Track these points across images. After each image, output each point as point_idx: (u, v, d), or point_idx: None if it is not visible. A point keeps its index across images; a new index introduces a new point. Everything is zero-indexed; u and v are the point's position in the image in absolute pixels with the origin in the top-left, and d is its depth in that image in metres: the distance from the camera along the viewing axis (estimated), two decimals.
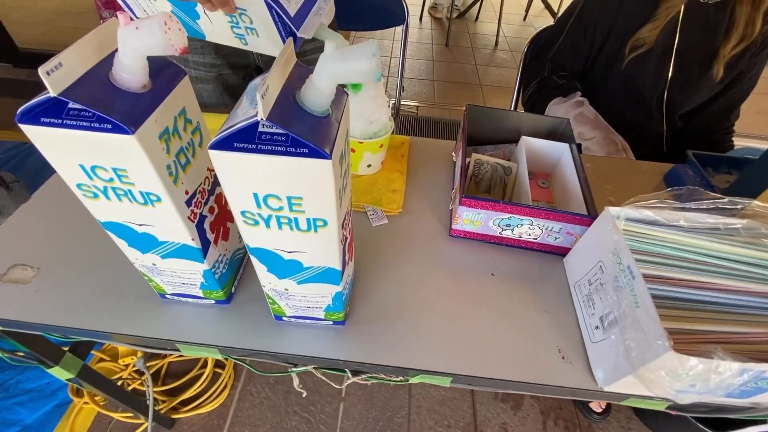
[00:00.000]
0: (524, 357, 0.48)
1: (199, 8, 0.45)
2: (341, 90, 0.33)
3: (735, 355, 0.36)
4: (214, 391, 1.05)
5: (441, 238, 0.60)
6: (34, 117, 0.28)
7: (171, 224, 0.37)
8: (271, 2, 0.39)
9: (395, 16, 1.18)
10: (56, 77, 0.26)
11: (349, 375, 0.50)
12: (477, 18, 3.24)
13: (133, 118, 0.29)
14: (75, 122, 0.28)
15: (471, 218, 0.56)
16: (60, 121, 0.28)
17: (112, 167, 0.31)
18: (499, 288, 0.54)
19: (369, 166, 0.66)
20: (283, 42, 0.44)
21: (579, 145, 0.87)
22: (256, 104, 0.26)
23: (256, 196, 0.31)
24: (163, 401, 1.02)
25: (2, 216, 1.07)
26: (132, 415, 0.97)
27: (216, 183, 0.42)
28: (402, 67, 1.25)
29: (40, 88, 0.27)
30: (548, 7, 2.99)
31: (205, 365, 1.09)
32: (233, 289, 0.50)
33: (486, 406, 1.10)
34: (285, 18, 0.40)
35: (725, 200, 0.49)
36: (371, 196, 0.64)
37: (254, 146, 0.27)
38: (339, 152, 0.30)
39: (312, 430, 1.02)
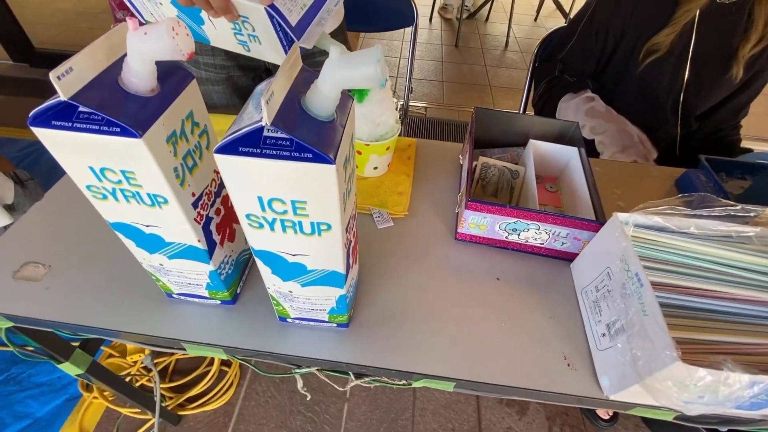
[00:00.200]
0: (529, 363, 0.47)
1: (204, 14, 0.45)
2: (346, 94, 0.33)
3: (745, 367, 0.35)
4: (220, 389, 1.06)
5: (446, 242, 0.60)
6: (45, 120, 0.29)
7: (178, 226, 0.37)
8: (272, 12, 0.39)
9: (404, 18, 1.18)
10: (67, 81, 0.27)
11: (353, 378, 0.50)
12: (487, 19, 3.22)
13: (141, 121, 0.29)
14: (85, 125, 0.29)
15: (477, 222, 0.56)
16: (70, 124, 0.29)
17: (121, 169, 0.32)
18: (505, 293, 0.54)
19: (375, 168, 0.66)
20: (285, 50, 0.44)
21: (592, 141, 0.86)
22: (261, 109, 0.26)
23: (260, 199, 0.31)
24: (170, 398, 1.03)
25: (17, 212, 1.09)
26: (139, 410, 0.99)
27: (222, 185, 0.43)
28: (411, 68, 1.25)
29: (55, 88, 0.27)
30: (560, 7, 2.96)
31: (211, 363, 1.10)
32: (238, 290, 0.50)
33: (491, 410, 1.09)
34: (286, 27, 0.40)
35: (738, 207, 0.48)
36: (377, 198, 0.64)
37: (259, 151, 0.28)
38: (343, 157, 0.30)
39: (316, 430, 1.03)
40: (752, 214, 0.47)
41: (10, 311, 0.48)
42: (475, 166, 0.66)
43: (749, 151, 0.90)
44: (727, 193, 0.65)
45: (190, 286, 0.46)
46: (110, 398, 1.01)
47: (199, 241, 0.39)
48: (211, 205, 0.41)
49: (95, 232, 0.56)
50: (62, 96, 0.27)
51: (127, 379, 1.03)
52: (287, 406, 1.07)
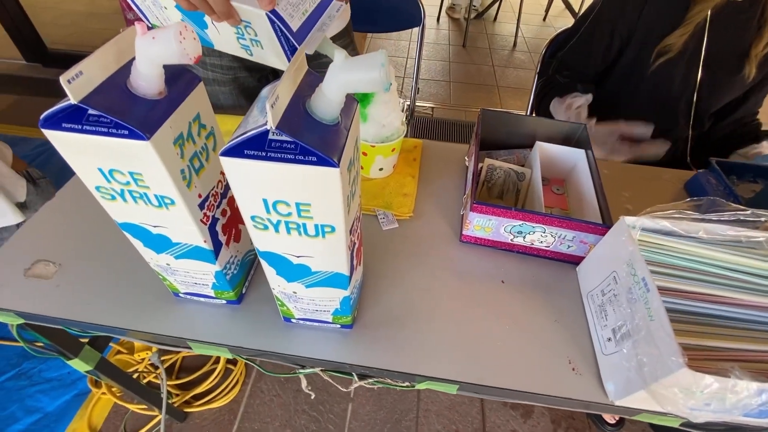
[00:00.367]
0: (533, 367, 0.47)
1: (207, 18, 0.45)
2: (351, 98, 0.33)
3: (753, 375, 0.35)
4: (226, 387, 1.07)
5: (451, 244, 0.60)
6: (55, 122, 0.29)
7: (184, 226, 0.37)
8: (273, 18, 0.39)
9: (412, 18, 1.18)
10: (77, 85, 0.27)
11: (356, 379, 0.50)
12: (495, 18, 3.21)
13: (149, 124, 0.29)
14: (94, 128, 0.29)
15: (482, 224, 0.56)
16: (80, 126, 0.29)
17: (129, 171, 0.32)
18: (510, 295, 0.54)
19: (381, 169, 0.66)
20: (286, 55, 0.45)
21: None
22: (267, 113, 0.26)
23: (265, 201, 0.31)
24: (177, 395, 1.04)
25: (29, 210, 1.11)
26: (146, 407, 1.00)
27: (228, 186, 0.43)
28: (417, 69, 1.24)
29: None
30: (569, 7, 2.93)
31: (217, 361, 1.11)
32: (244, 290, 0.51)
33: (495, 412, 1.09)
34: (287, 33, 0.40)
35: (748, 212, 0.47)
36: (382, 199, 0.64)
37: (264, 154, 0.28)
38: (348, 160, 0.30)
39: (320, 429, 1.03)
40: (763, 219, 0.46)
41: (22, 308, 0.49)
42: (481, 167, 0.66)
43: None
44: (737, 196, 0.64)
45: (196, 285, 0.47)
46: (118, 394, 1.02)
47: (205, 241, 0.40)
48: (217, 206, 0.41)
49: (105, 231, 0.56)
50: (72, 99, 0.27)
51: (135, 375, 1.05)
52: (292, 405, 1.07)
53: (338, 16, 0.46)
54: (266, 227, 0.33)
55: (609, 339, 0.47)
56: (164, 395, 0.85)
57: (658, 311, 0.39)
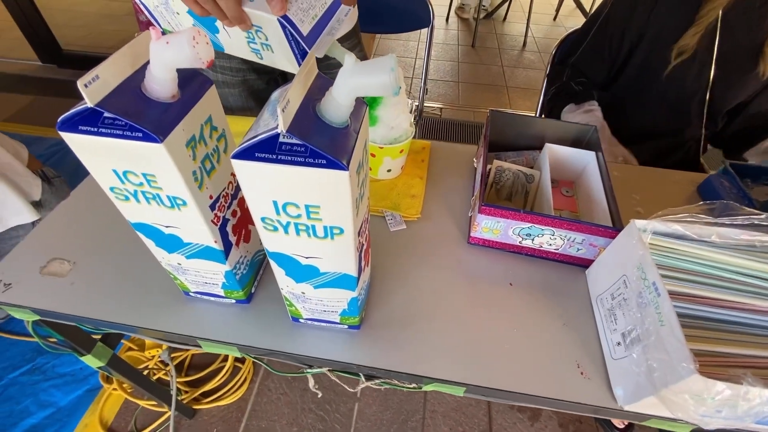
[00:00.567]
0: (541, 370, 0.47)
1: (219, 23, 0.46)
2: (360, 101, 0.33)
3: (766, 382, 0.34)
4: (234, 385, 1.08)
5: (459, 245, 0.60)
6: (72, 125, 0.30)
7: (195, 227, 0.38)
8: (285, 23, 0.40)
9: (420, 19, 1.17)
10: (93, 89, 0.28)
11: (363, 379, 0.50)
12: (505, 18, 3.19)
13: (162, 127, 0.30)
14: (109, 130, 0.30)
15: (490, 226, 0.56)
16: (96, 129, 0.30)
17: (142, 173, 0.33)
18: (518, 298, 0.54)
19: (389, 170, 0.67)
20: (296, 59, 0.45)
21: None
22: (277, 116, 0.26)
23: (275, 203, 0.31)
24: (186, 391, 1.06)
25: (44, 209, 1.14)
26: (156, 403, 1.01)
27: (239, 187, 0.44)
28: (426, 69, 1.24)
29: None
30: (580, 6, 2.91)
31: (226, 359, 1.12)
32: (253, 290, 0.51)
33: (502, 414, 1.08)
34: (298, 37, 0.41)
35: (762, 216, 0.46)
36: (390, 201, 0.64)
37: (275, 156, 0.28)
38: (357, 162, 0.31)
39: (327, 429, 1.04)
40: None
41: (37, 305, 0.50)
42: (489, 169, 0.66)
43: None
44: (752, 200, 0.63)
45: (206, 285, 0.47)
46: (129, 390, 1.04)
47: (215, 241, 0.40)
48: (228, 207, 0.42)
49: (118, 230, 0.57)
50: (89, 103, 0.28)
51: (145, 372, 1.06)
52: (299, 404, 1.08)
53: (347, 19, 0.46)
54: (276, 228, 0.34)
55: (618, 343, 0.46)
56: (173, 392, 0.86)
57: (668, 316, 0.39)
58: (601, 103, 0.89)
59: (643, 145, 0.90)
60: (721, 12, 0.76)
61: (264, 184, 0.30)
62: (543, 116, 1.10)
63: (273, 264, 0.39)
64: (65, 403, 1.03)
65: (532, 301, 0.53)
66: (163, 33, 0.56)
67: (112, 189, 0.35)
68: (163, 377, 1.08)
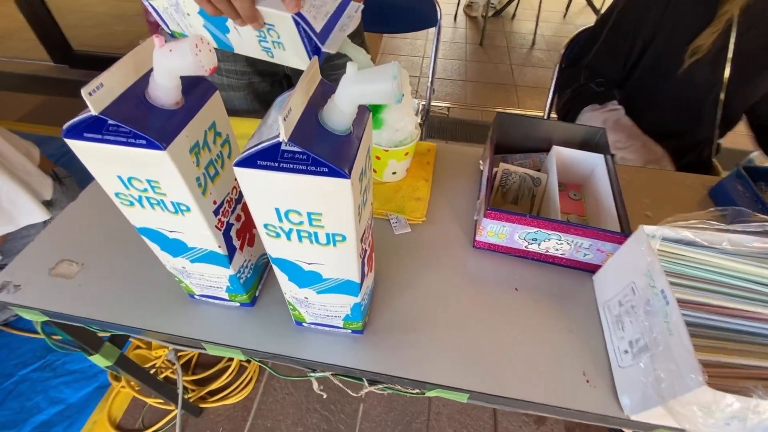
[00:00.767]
0: (546, 378, 0.46)
1: (230, 23, 0.46)
2: (364, 107, 0.33)
3: None
4: (240, 384, 1.09)
5: (464, 249, 0.59)
6: (77, 132, 0.30)
7: (199, 232, 0.38)
8: (298, 20, 0.40)
9: (427, 19, 1.17)
10: (97, 97, 0.28)
11: (366, 384, 0.50)
12: (514, 16, 3.16)
13: (165, 134, 0.30)
14: (113, 137, 0.30)
15: (495, 231, 0.55)
16: (100, 136, 0.30)
17: (147, 179, 0.33)
18: (523, 304, 0.53)
19: (394, 173, 0.66)
20: (309, 56, 0.45)
21: (612, 155, 0.83)
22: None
23: (278, 210, 0.31)
24: (193, 390, 1.07)
25: (55, 208, 1.16)
26: (163, 401, 1.03)
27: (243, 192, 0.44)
28: (433, 69, 1.23)
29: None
30: (590, 3, 2.87)
31: (231, 358, 1.13)
32: (257, 293, 0.51)
33: (508, 417, 1.08)
34: (311, 33, 0.41)
35: None
36: (395, 203, 0.64)
37: (277, 164, 0.28)
38: (359, 170, 0.30)
39: (331, 429, 1.04)
40: None
41: (46, 306, 0.51)
42: (496, 172, 0.65)
43: None
44: (765, 204, 0.61)
45: (210, 288, 0.47)
46: (137, 388, 1.05)
47: (219, 246, 0.40)
48: (232, 212, 0.42)
49: (125, 232, 0.58)
50: (93, 111, 0.28)
51: (152, 370, 1.08)
52: (304, 404, 1.08)
53: (356, 16, 0.46)
54: (278, 235, 0.34)
55: (626, 351, 0.46)
56: (180, 391, 0.87)
57: (677, 325, 0.38)
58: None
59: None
60: (739, 9, 0.74)
61: (266, 192, 0.30)
62: (556, 118, 1.08)
63: (276, 269, 0.39)
64: (75, 400, 1.05)
65: (537, 306, 0.53)
66: (172, 35, 0.57)
67: (117, 194, 0.35)
68: (171, 375, 1.09)
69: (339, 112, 0.28)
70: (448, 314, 0.51)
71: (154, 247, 0.42)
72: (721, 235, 0.46)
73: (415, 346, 0.48)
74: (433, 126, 2.08)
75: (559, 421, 1.08)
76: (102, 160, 0.32)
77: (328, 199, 0.30)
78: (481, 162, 0.72)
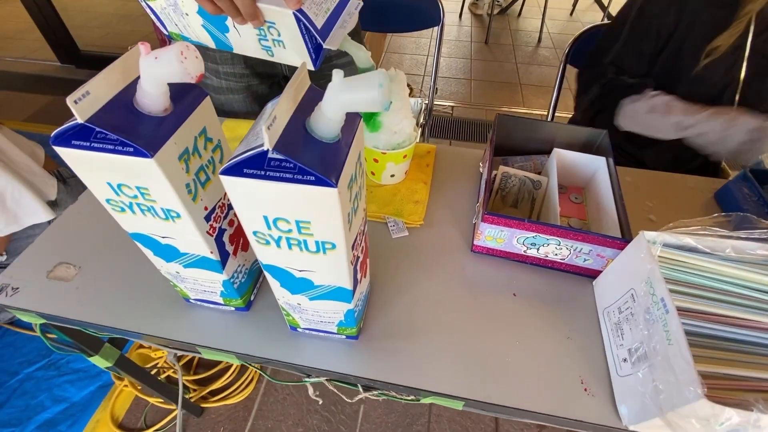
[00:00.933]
0: (543, 385, 0.45)
1: (229, 22, 0.46)
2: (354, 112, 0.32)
3: None
4: (241, 384, 1.10)
5: (462, 254, 0.58)
6: (65, 140, 0.30)
7: (190, 238, 0.38)
8: (300, 16, 0.40)
9: (431, 18, 1.16)
10: (83, 105, 0.28)
11: (361, 390, 0.50)
12: (520, 14, 3.13)
13: (153, 141, 0.30)
14: (101, 145, 0.30)
15: (494, 235, 0.55)
16: (88, 143, 0.30)
17: (136, 186, 0.33)
18: (521, 309, 0.52)
19: (392, 176, 0.66)
20: (309, 53, 0.45)
21: (612, 157, 0.80)
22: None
23: (266, 218, 0.31)
24: (194, 390, 1.07)
25: (60, 208, 1.17)
26: (164, 400, 1.03)
27: None
28: (436, 69, 1.22)
29: None
30: (598, 1, 2.83)
31: None
32: (252, 297, 0.51)
33: (509, 421, 1.07)
34: (312, 30, 0.40)
35: None
36: (392, 207, 0.63)
37: (263, 173, 0.28)
38: (348, 178, 0.30)
39: (332, 430, 1.04)
40: None
41: (43, 309, 0.51)
42: (495, 175, 0.64)
43: None
44: None
45: (205, 293, 0.47)
46: (139, 387, 1.06)
47: (211, 252, 0.40)
48: (224, 218, 0.41)
49: (123, 236, 0.57)
50: (79, 119, 0.28)
51: (155, 370, 1.08)
52: (304, 405, 1.09)
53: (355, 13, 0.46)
54: (268, 242, 0.33)
55: (625, 359, 0.45)
56: (180, 391, 0.87)
57: (676, 335, 0.37)
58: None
59: (663, 146, 0.87)
60: (759, 9, 0.72)
61: (253, 200, 0.30)
62: (572, 117, 1.06)
63: (268, 275, 0.38)
64: (78, 399, 1.06)
65: (536, 312, 0.52)
66: (168, 37, 0.56)
67: (108, 201, 0.35)
68: (173, 375, 1.10)
69: (326, 120, 0.28)
70: (444, 320, 0.51)
71: (148, 253, 0.42)
72: (725, 242, 0.45)
73: (410, 352, 0.48)
74: (437, 125, 2.07)
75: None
76: (91, 167, 0.32)
77: (316, 207, 0.29)
78: (481, 164, 0.71)
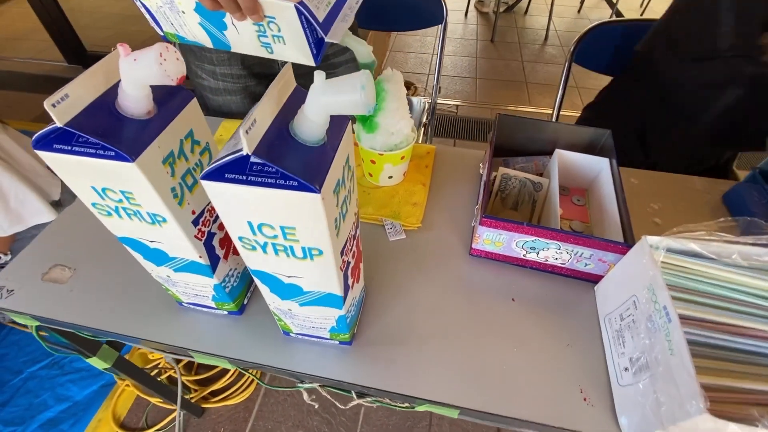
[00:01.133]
0: (541, 395, 0.44)
1: (227, 19, 0.45)
2: (343, 115, 0.31)
3: None
4: (242, 385, 1.09)
5: (460, 257, 0.57)
6: (47, 144, 0.29)
7: (178, 242, 0.37)
8: (301, 9, 0.39)
9: (433, 17, 1.14)
10: (62, 108, 0.27)
11: (355, 397, 0.49)
12: (526, 11, 3.09)
13: (135, 145, 0.29)
14: (83, 149, 0.29)
15: (492, 238, 0.53)
16: (69, 147, 0.29)
17: (120, 190, 0.32)
18: (520, 315, 0.51)
19: (390, 177, 0.65)
20: (310, 47, 0.44)
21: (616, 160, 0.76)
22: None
23: (250, 224, 0.30)
24: (195, 390, 1.07)
25: (63, 208, 1.17)
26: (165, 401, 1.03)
27: None
28: (439, 67, 1.21)
29: None
30: None
31: None
32: (245, 301, 0.51)
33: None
34: (314, 23, 0.39)
35: None
36: (390, 209, 0.62)
37: (245, 177, 0.27)
38: (333, 183, 0.29)
39: (332, 431, 1.04)
40: None
41: (37, 312, 0.51)
42: (494, 177, 0.63)
43: None
44: None
45: (197, 296, 0.47)
46: (140, 387, 1.06)
47: (200, 257, 0.39)
48: (214, 221, 0.41)
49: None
50: (57, 123, 0.27)
51: (156, 371, 1.09)
52: (305, 406, 1.08)
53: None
54: (254, 248, 0.33)
55: (626, 368, 0.43)
56: (179, 392, 0.87)
57: (679, 345, 0.35)
58: (647, 99, 0.81)
59: (677, 149, 0.84)
60: None
61: (237, 205, 0.29)
62: (580, 117, 1.02)
63: (257, 281, 0.38)
64: (81, 398, 1.06)
65: (535, 318, 0.51)
66: (164, 37, 0.56)
67: (94, 205, 0.35)
68: (174, 375, 1.10)
69: (309, 123, 0.27)
70: (440, 325, 0.50)
71: (138, 257, 0.42)
72: (731, 247, 0.43)
73: (405, 359, 0.47)
74: (441, 125, 2.05)
75: None
76: (73, 171, 0.31)
77: (300, 213, 0.28)
78: (481, 165, 0.70)
